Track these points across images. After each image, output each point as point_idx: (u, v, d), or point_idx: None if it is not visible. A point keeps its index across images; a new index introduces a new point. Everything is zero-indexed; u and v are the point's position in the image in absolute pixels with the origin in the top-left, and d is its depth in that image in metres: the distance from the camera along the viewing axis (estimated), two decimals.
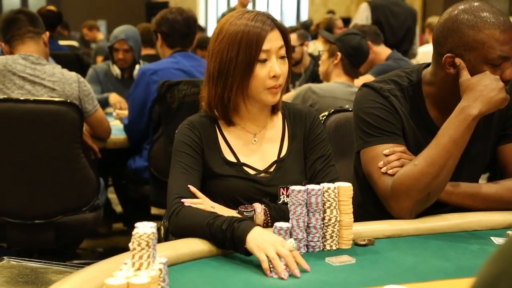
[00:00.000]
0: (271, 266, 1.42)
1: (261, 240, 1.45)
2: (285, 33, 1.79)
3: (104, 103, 4.33)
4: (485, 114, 1.78)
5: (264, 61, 1.74)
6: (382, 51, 4.52)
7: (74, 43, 7.80)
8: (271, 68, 1.74)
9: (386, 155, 1.84)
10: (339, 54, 3.34)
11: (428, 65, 1.97)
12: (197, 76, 3.35)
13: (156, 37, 3.58)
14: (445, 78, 1.85)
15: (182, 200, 1.66)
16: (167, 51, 3.54)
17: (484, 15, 1.76)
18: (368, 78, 4.18)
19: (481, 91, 1.75)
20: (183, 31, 3.48)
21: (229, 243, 1.50)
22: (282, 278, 1.39)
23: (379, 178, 1.84)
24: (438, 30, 1.84)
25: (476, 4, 1.79)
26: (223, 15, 9.47)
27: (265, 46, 1.72)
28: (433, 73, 1.90)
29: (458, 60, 1.79)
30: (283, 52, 1.77)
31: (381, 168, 1.83)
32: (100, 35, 10.12)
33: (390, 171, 1.81)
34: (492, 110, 1.78)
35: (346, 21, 12.87)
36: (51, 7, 5.58)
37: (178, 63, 3.44)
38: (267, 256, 1.42)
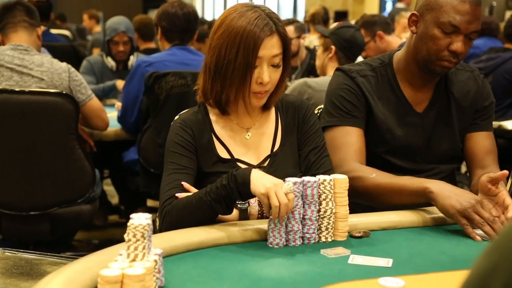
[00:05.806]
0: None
1: (265, 179, 1.53)
2: (285, 39, 1.73)
3: (109, 91, 4.31)
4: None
5: (255, 66, 1.71)
6: (393, 40, 4.47)
7: (67, 32, 7.67)
8: (259, 75, 1.71)
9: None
10: (333, 47, 3.33)
11: (399, 50, 2.11)
12: (193, 69, 3.34)
13: (157, 30, 3.58)
14: (409, 39, 2.01)
15: (176, 194, 1.66)
16: (166, 45, 3.54)
17: None
18: None
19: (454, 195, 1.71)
20: (183, 27, 3.46)
21: (235, 193, 1.56)
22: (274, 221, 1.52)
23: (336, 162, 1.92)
24: None
25: None
26: None
27: (259, 53, 1.69)
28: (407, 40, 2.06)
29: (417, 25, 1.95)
30: (277, 60, 1.72)
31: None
32: (98, 27, 10.09)
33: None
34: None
35: (343, 14, 12.86)
36: None
37: (174, 55, 3.43)
38: (269, 201, 1.50)
